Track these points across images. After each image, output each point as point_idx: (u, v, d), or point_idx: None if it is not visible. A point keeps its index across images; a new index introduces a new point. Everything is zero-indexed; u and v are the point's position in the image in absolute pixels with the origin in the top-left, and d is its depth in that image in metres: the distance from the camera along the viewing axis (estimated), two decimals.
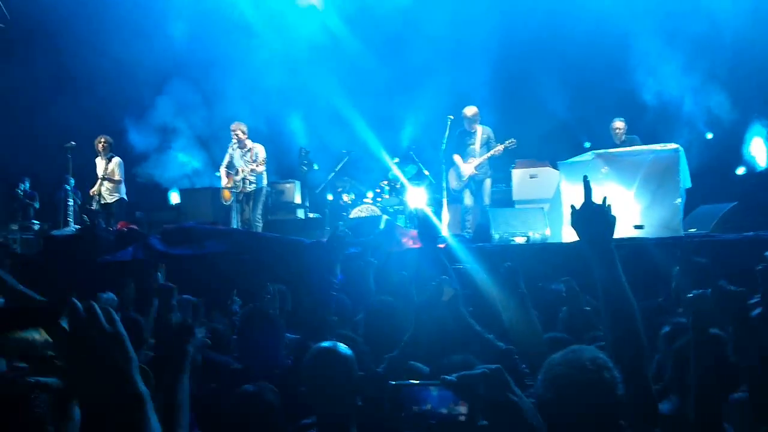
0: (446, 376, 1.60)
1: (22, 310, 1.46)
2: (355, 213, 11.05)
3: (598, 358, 1.80)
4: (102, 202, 10.65)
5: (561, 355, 1.84)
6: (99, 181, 10.68)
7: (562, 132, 12.07)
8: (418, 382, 1.79)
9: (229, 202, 10.20)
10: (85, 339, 1.29)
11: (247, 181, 9.91)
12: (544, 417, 1.67)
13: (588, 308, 3.60)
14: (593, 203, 2.24)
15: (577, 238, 2.34)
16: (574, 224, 2.27)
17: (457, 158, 9.87)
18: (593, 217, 2.22)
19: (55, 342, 1.33)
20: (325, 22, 13.70)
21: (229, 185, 10.12)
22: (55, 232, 10.16)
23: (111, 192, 10.66)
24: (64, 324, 1.30)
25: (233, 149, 10.09)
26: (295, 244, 7.75)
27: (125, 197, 10.87)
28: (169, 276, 6.65)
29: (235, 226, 9.85)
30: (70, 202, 11.56)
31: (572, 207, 2.28)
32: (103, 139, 10.77)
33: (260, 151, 10.01)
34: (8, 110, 13.27)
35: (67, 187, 12.21)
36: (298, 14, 13.72)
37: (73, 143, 11.32)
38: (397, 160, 11.68)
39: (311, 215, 12.04)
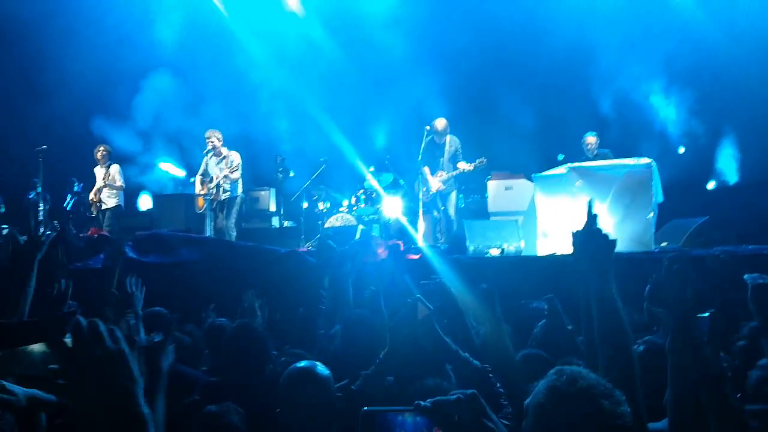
0: (421, 402, 1.58)
1: (26, 326, 1.43)
2: (330, 222, 11.00)
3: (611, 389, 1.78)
4: (102, 207, 10.72)
5: (565, 380, 1.80)
6: (96, 189, 10.71)
7: (536, 144, 12.15)
8: (392, 408, 1.76)
9: (202, 210, 10.13)
10: (88, 357, 1.28)
11: (221, 189, 9.85)
12: None
13: (570, 327, 3.59)
14: (594, 227, 2.28)
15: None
16: (575, 244, 2.30)
17: (426, 171, 9.96)
18: (592, 240, 2.26)
19: (57, 359, 1.32)
20: (304, 30, 13.65)
21: (203, 192, 10.05)
22: (22, 238, 9.95)
23: (111, 197, 10.76)
24: (67, 341, 1.30)
25: (209, 157, 10.03)
26: (270, 254, 7.69)
27: (122, 204, 10.97)
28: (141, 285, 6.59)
29: (208, 234, 9.77)
30: (41, 207, 11.37)
31: (573, 233, 2.32)
32: (102, 148, 10.96)
33: (235, 158, 9.97)
34: None
35: (35, 192, 12.00)
36: (277, 21, 13.66)
37: (44, 146, 11.17)
38: (372, 169, 11.67)
39: (286, 224, 11.98)
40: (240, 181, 10.16)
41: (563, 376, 1.80)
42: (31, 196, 12.22)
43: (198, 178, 10.21)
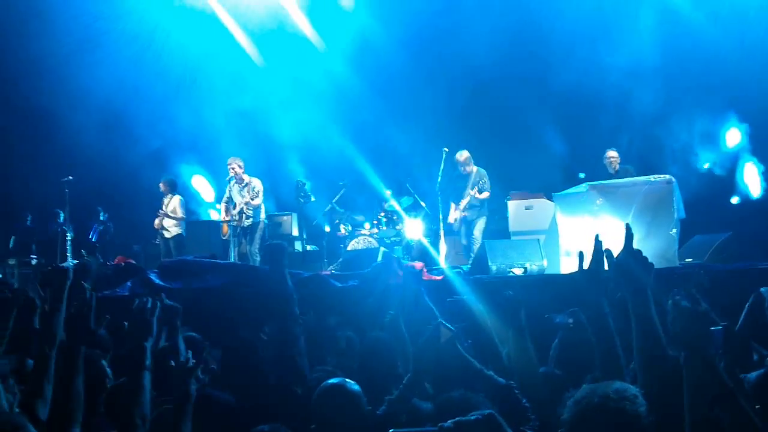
0: (443, 424, 1.64)
1: None
2: (352, 245, 11.08)
3: (623, 391, 1.85)
4: (165, 236, 11.14)
5: (589, 388, 1.90)
6: (160, 218, 11.13)
7: (556, 163, 12.17)
8: (416, 429, 1.81)
9: (227, 237, 10.28)
10: None
11: (244, 215, 9.99)
12: None
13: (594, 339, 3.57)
14: (633, 249, 2.31)
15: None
16: (617, 274, 2.32)
17: (452, 206, 10.10)
18: (633, 263, 2.28)
19: None
20: (323, 58, 13.81)
21: (227, 219, 10.21)
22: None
23: (173, 225, 11.12)
24: None
25: (231, 184, 10.20)
26: (294, 278, 7.72)
27: (184, 233, 11.29)
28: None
29: (233, 260, 9.88)
30: (68, 237, 11.59)
31: (608, 251, 2.37)
32: (163, 181, 11.42)
33: (257, 184, 10.14)
34: (7, 145, 13.38)
35: (58, 223, 12.25)
36: (297, 48, 13.86)
37: (71, 177, 11.44)
38: (389, 192, 11.76)
39: (309, 248, 12.07)
40: (262, 206, 10.31)
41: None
42: (55, 227, 12.47)
43: (222, 205, 10.40)
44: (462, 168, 10.15)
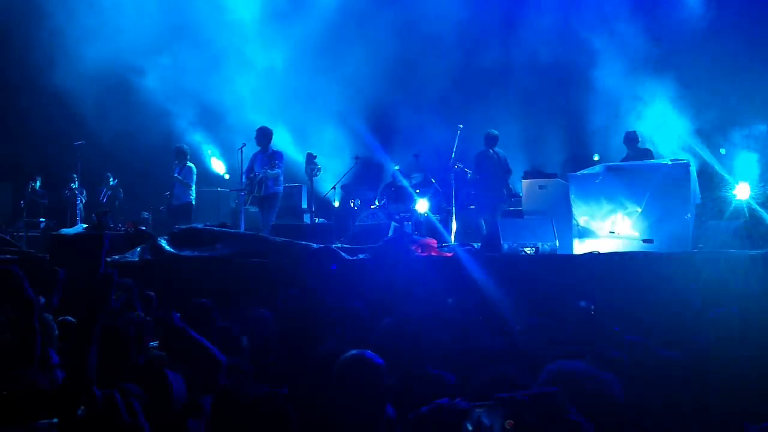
0: (501, 394, 1.52)
1: (35, 398, 1.27)
2: (361, 219, 11.04)
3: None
4: (174, 203, 11.02)
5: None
6: None
7: (571, 144, 12.04)
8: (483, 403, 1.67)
9: (246, 205, 10.24)
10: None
11: (263, 185, 9.92)
12: None
13: (617, 328, 3.54)
14: None
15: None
16: None
17: None
18: None
19: None
20: (335, 33, 13.65)
21: (246, 188, 10.15)
22: (63, 231, 10.14)
23: (183, 194, 10.97)
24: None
25: (254, 153, 10.16)
26: (303, 249, 7.71)
27: (193, 201, 11.08)
28: (178, 278, 6.71)
29: (242, 230, 9.84)
30: (78, 201, 11.59)
31: None
32: (176, 147, 11.29)
33: (278, 156, 10.06)
34: (19, 109, 13.34)
35: (74, 186, 12.25)
36: (306, 20, 13.70)
37: (82, 142, 11.40)
38: (397, 167, 11.71)
39: (317, 220, 12.03)
40: (281, 178, 10.19)
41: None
42: (67, 192, 12.50)
43: (245, 173, 10.29)
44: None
